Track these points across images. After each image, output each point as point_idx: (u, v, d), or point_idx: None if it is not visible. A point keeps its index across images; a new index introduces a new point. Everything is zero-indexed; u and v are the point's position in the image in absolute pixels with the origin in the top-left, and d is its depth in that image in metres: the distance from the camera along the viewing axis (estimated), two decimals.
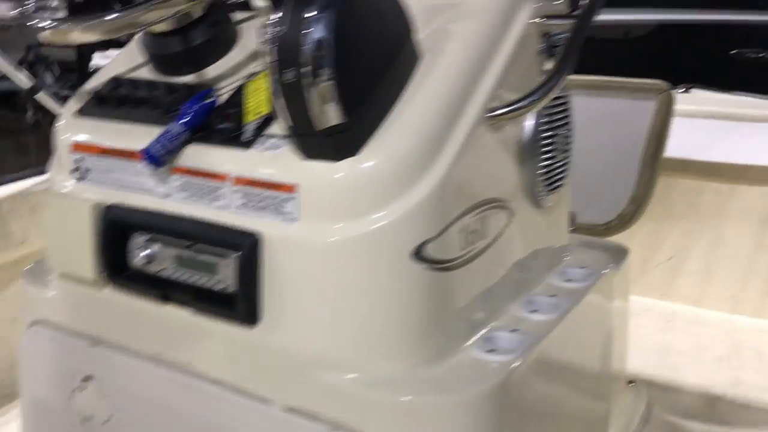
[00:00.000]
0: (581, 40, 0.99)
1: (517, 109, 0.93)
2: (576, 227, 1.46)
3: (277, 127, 0.88)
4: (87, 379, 1.04)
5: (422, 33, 0.92)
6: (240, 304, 0.88)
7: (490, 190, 0.96)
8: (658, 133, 1.63)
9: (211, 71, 1.03)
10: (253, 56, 1.03)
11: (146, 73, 1.07)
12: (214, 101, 0.92)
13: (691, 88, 3.34)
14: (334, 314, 0.85)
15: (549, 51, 1.06)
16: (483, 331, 0.95)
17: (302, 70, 0.76)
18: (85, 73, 6.21)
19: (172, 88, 1.00)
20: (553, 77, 0.95)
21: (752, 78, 4.71)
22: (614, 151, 1.68)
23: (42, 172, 1.89)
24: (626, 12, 4.86)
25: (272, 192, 0.85)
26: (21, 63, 9.62)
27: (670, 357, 1.96)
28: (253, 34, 1.06)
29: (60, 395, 1.08)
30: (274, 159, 0.86)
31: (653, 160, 1.64)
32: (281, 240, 0.85)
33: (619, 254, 1.40)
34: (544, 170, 1.07)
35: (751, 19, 4.66)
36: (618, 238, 1.59)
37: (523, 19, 1.00)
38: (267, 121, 0.89)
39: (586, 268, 1.18)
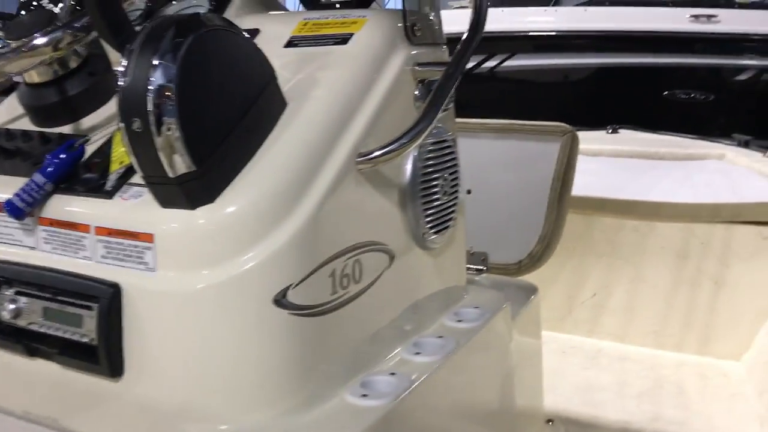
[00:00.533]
0: (452, 86, 1.01)
1: (386, 152, 0.94)
2: (489, 267, 1.47)
3: (140, 177, 0.87)
4: None
5: (291, 80, 0.93)
6: (102, 356, 0.86)
7: (365, 233, 0.97)
8: (564, 173, 1.67)
9: (89, 121, 1.02)
10: None
11: (25, 124, 1.06)
12: (80, 151, 0.92)
13: (619, 128, 3.44)
14: (197, 364, 0.84)
15: (425, 96, 1.08)
16: (360, 377, 0.95)
17: (147, 119, 0.76)
18: None
19: (45, 139, 1.00)
20: (422, 121, 0.96)
21: (684, 118, 4.88)
22: (523, 192, 1.71)
23: None
24: (565, 57, 5.02)
25: (132, 241, 0.85)
26: None
27: (593, 394, 1.98)
28: None
29: None
30: (134, 208, 0.86)
31: (560, 200, 1.67)
32: (140, 290, 0.84)
33: (528, 292, 1.41)
34: (428, 213, 1.08)
35: (683, 62, 4.84)
36: (545, 278, 1.61)
37: (397, 65, 1.02)
38: (130, 169, 0.89)
39: (480, 308, 1.19)
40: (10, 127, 1.06)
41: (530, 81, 5.25)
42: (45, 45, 0.92)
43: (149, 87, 0.76)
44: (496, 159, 1.75)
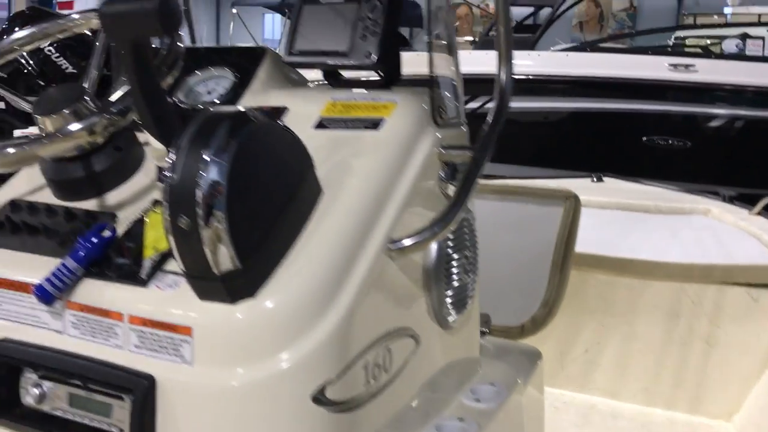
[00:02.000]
0: (479, 171, 1.02)
1: (419, 242, 0.94)
2: (491, 329, 1.47)
3: (176, 264, 0.86)
4: None
5: (324, 167, 0.94)
6: None
7: (395, 320, 0.97)
8: (566, 237, 1.69)
9: (114, 197, 1.01)
10: (152, 184, 1.02)
11: (48, 197, 1.04)
12: (112, 235, 0.91)
13: (603, 176, 3.50)
14: None
15: (450, 177, 1.09)
16: None
17: (195, 217, 0.76)
18: None
19: (70, 215, 0.98)
20: (453, 208, 0.97)
21: (662, 163, 4.99)
22: (525, 255, 1.73)
23: None
24: (542, 100, 5.11)
25: (168, 333, 0.84)
26: None
27: None
28: (157, 157, 1.06)
29: None
30: (171, 299, 0.85)
31: (562, 264, 1.68)
32: (176, 384, 0.83)
33: (532, 358, 1.41)
34: (450, 293, 1.08)
35: (661, 108, 4.95)
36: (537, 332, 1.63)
37: (425, 149, 1.03)
38: (165, 257, 0.88)
39: (496, 385, 1.19)
40: (31, 199, 1.05)
41: (511, 122, 5.32)
42: (80, 131, 0.91)
43: (199, 184, 0.75)
44: (498, 221, 1.76)
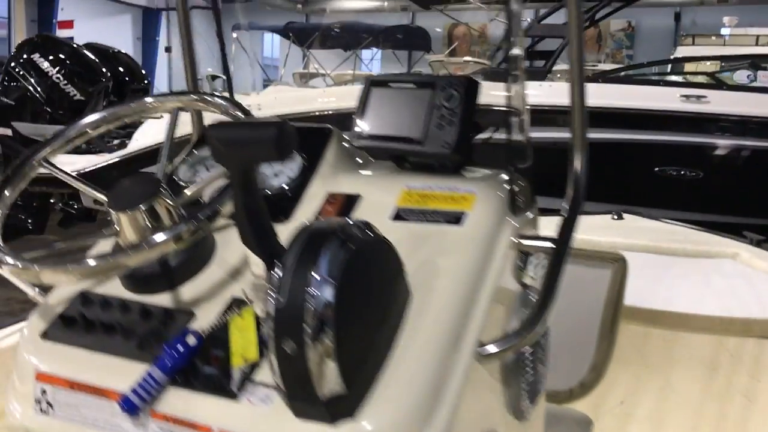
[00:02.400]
0: (562, 266, 1.00)
1: (508, 348, 0.92)
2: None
3: (267, 374, 0.84)
4: None
5: (409, 265, 0.92)
6: None
7: (482, 421, 0.95)
8: (615, 300, 1.67)
9: (188, 291, 0.99)
10: (233, 274, 1.00)
11: (117, 288, 1.02)
12: (198, 343, 0.88)
13: (623, 213, 3.48)
14: None
15: (525, 265, 1.08)
16: None
17: (303, 340, 0.73)
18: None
19: (146, 313, 0.96)
20: (540, 311, 0.95)
21: (675, 194, 4.99)
22: (574, 318, 1.71)
23: None
24: (553, 131, 5.11)
25: None
26: None
27: None
28: (228, 245, 1.03)
29: None
30: (265, 415, 0.82)
31: (611, 328, 1.66)
32: None
33: (585, 426, 1.39)
34: (527, 385, 1.06)
35: (673, 139, 4.96)
36: None
37: (505, 242, 1.01)
38: (254, 367, 0.86)
39: None
40: (100, 290, 1.02)
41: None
42: (167, 241, 0.89)
43: (309, 307, 0.73)
44: None
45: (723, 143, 4.92)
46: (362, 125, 1.13)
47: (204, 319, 0.94)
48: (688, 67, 7.64)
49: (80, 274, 0.88)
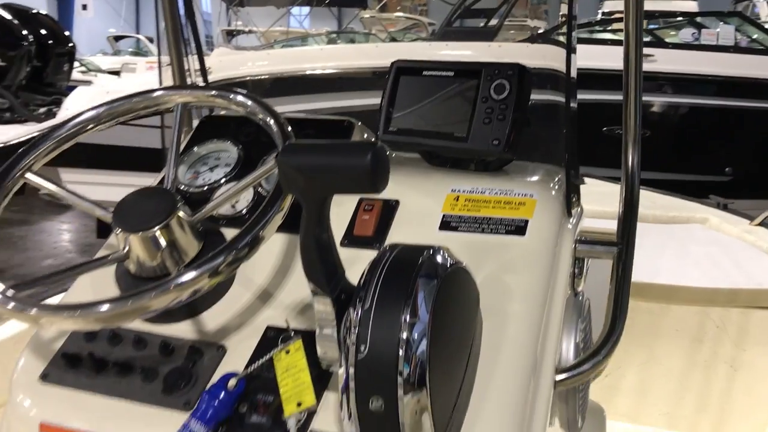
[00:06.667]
0: (629, 274, 0.93)
1: (582, 373, 0.84)
2: None
3: (327, 422, 0.73)
4: None
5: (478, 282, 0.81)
6: None
7: None
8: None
9: (210, 319, 0.86)
10: (262, 297, 0.88)
11: None
12: (241, 388, 0.76)
13: (583, 176, 3.45)
14: None
15: (580, 272, 1.00)
16: None
17: (395, 396, 0.62)
18: None
19: (167, 348, 0.83)
20: (612, 334, 0.88)
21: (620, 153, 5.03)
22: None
23: None
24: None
25: None
26: None
27: None
28: (253, 262, 0.91)
29: None
30: None
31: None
32: None
33: (601, 418, 1.36)
34: (581, 401, 0.99)
35: (620, 98, 4.98)
36: None
37: (567, 248, 0.93)
38: (311, 414, 0.74)
39: None
40: None
41: None
42: (201, 276, 0.75)
43: (400, 356, 0.62)
44: None
45: (669, 101, 4.97)
46: (390, 118, 1.01)
47: (238, 355, 0.81)
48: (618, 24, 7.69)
49: (93, 320, 0.74)
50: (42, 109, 5.67)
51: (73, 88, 5.48)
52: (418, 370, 0.62)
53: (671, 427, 2.19)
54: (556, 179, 0.97)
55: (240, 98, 0.92)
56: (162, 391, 0.79)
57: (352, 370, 0.63)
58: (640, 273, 2.22)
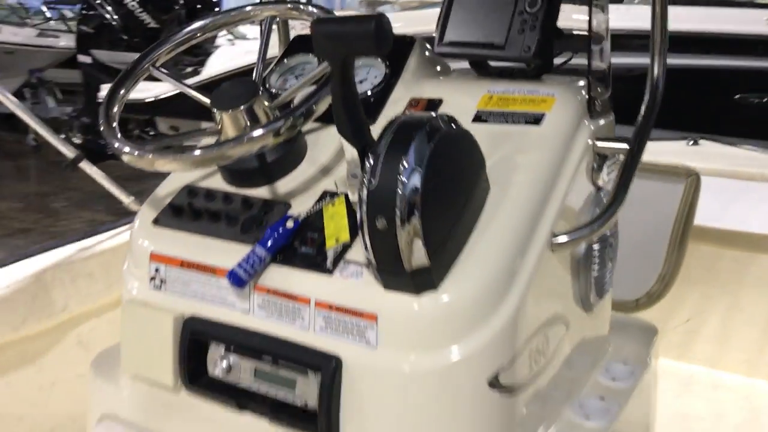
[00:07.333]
0: (636, 166, 1.05)
1: (580, 237, 0.98)
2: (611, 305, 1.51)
3: (357, 254, 0.93)
4: None
5: (489, 162, 0.98)
6: (320, 421, 0.92)
7: (553, 308, 1.02)
8: (686, 214, 1.69)
9: (283, 185, 1.08)
10: (323, 171, 1.08)
11: (218, 183, 1.12)
12: (295, 226, 0.97)
13: (698, 139, 3.41)
14: None
15: (600, 167, 1.12)
16: None
17: (394, 218, 0.81)
18: (92, 100, 6.26)
19: (246, 202, 1.06)
20: (613, 205, 1.00)
21: (755, 122, 4.81)
22: (644, 231, 1.74)
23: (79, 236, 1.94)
24: (629, 56, 4.97)
25: (354, 319, 0.91)
26: (24, 86, 9.65)
27: (689, 423, 2.01)
28: (318, 145, 1.12)
29: None
30: (357, 287, 0.91)
31: (681, 241, 1.70)
32: (361, 365, 0.90)
33: (650, 334, 1.45)
34: (595, 278, 1.12)
35: (756, 65, 4.76)
36: None
37: (582, 142, 1.06)
38: (346, 247, 0.95)
39: (628, 364, 1.24)
40: (203, 185, 1.13)
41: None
42: (265, 135, 0.97)
43: (399, 190, 0.81)
44: None
45: None
46: (444, 32, 1.18)
47: (299, 208, 1.03)
48: None
49: (189, 162, 0.98)
50: (188, 69, 6.21)
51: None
52: (411, 201, 0.81)
53: (751, 374, 2.21)
54: (581, 85, 1.10)
55: (311, 9, 1.13)
56: (240, 232, 1.02)
57: (365, 197, 0.83)
58: (728, 221, 2.25)
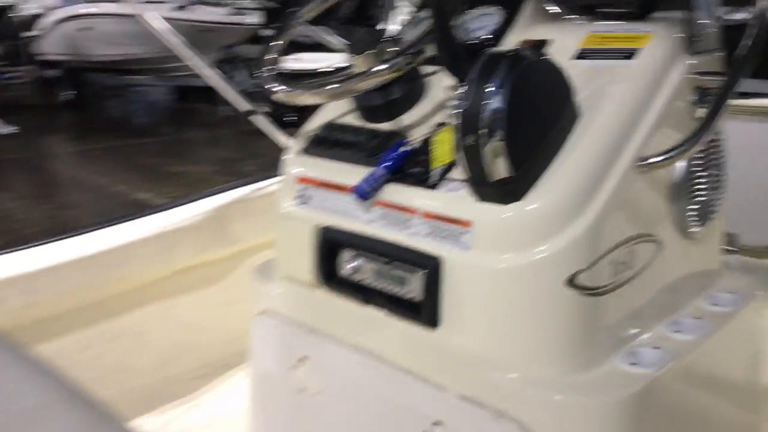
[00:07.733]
0: (729, 96, 1.11)
1: (666, 159, 1.08)
2: (740, 249, 1.55)
3: (457, 173, 1.10)
4: (303, 359, 1.33)
5: (582, 94, 1.10)
6: (425, 311, 1.11)
7: (640, 226, 1.12)
8: None
9: (405, 120, 1.27)
10: (439, 107, 1.26)
11: (353, 119, 1.33)
12: (408, 150, 1.16)
13: None
14: (500, 326, 1.06)
15: (702, 101, 1.19)
16: (628, 347, 1.12)
17: (480, 135, 0.97)
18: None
19: (374, 134, 1.26)
20: (701, 130, 1.08)
21: None
22: None
23: (254, 180, 2.26)
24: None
25: (452, 225, 1.08)
26: (219, 61, 10.58)
27: None
28: (438, 88, 1.29)
29: (281, 370, 1.37)
30: (455, 199, 1.08)
31: None
32: (458, 264, 1.07)
33: (757, 269, 1.47)
34: (695, 207, 1.20)
35: None
36: None
37: (677, 75, 1.14)
38: (449, 167, 1.12)
39: (735, 293, 1.30)
40: (342, 121, 1.34)
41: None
42: (387, 70, 1.16)
43: (484, 111, 0.96)
44: (754, 141, 1.77)
45: None
46: None
47: (416, 137, 1.21)
48: None
49: (325, 95, 1.20)
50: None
51: None
52: (494, 120, 0.95)
53: None
54: (684, 22, 1.17)
55: None
56: (366, 156, 1.22)
57: (458, 118, 1.00)
58: None
